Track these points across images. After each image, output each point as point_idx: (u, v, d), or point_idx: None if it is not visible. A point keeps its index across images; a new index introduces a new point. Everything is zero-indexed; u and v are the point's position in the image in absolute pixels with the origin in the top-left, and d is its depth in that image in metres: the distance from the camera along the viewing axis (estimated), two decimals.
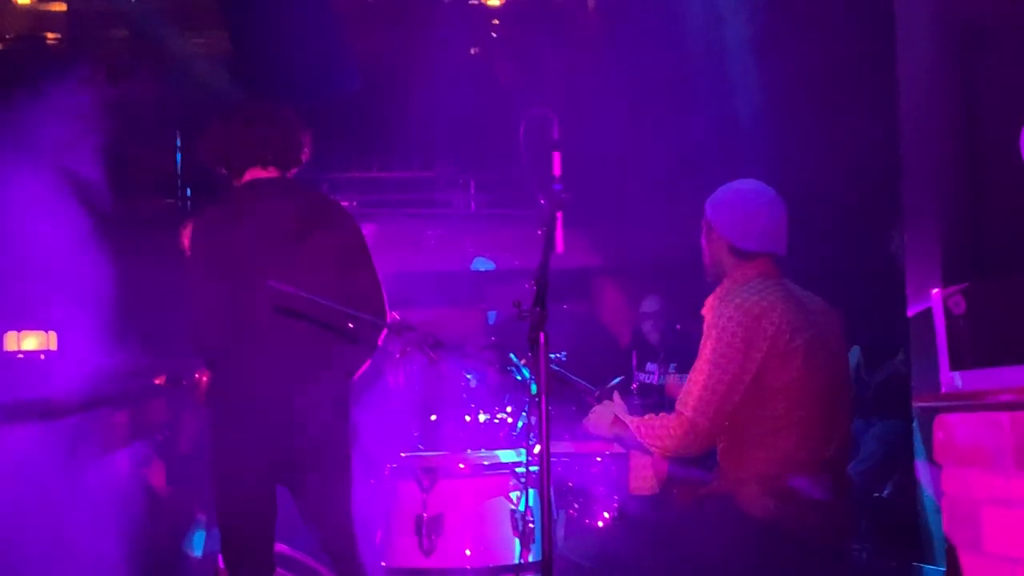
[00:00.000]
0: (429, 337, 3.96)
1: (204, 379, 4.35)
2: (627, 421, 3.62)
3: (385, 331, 4.02)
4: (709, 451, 3.61)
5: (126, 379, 6.57)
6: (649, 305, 7.20)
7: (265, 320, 3.91)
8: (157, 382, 6.56)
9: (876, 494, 5.30)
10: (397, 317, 4.24)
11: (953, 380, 3.27)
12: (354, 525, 3.96)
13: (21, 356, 8.11)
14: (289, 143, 4.19)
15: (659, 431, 3.53)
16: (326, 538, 4.00)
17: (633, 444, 3.64)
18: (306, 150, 4.25)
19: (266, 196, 4.12)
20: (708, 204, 3.71)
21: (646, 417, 3.61)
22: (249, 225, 4.04)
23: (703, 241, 3.73)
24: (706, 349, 3.49)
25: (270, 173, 4.17)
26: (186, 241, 4.41)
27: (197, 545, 6.13)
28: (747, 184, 3.70)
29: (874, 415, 5.72)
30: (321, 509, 3.98)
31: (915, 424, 4.29)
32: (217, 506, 4.06)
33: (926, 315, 3.77)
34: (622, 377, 5.72)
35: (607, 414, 3.76)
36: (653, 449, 3.58)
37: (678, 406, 3.51)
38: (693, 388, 3.48)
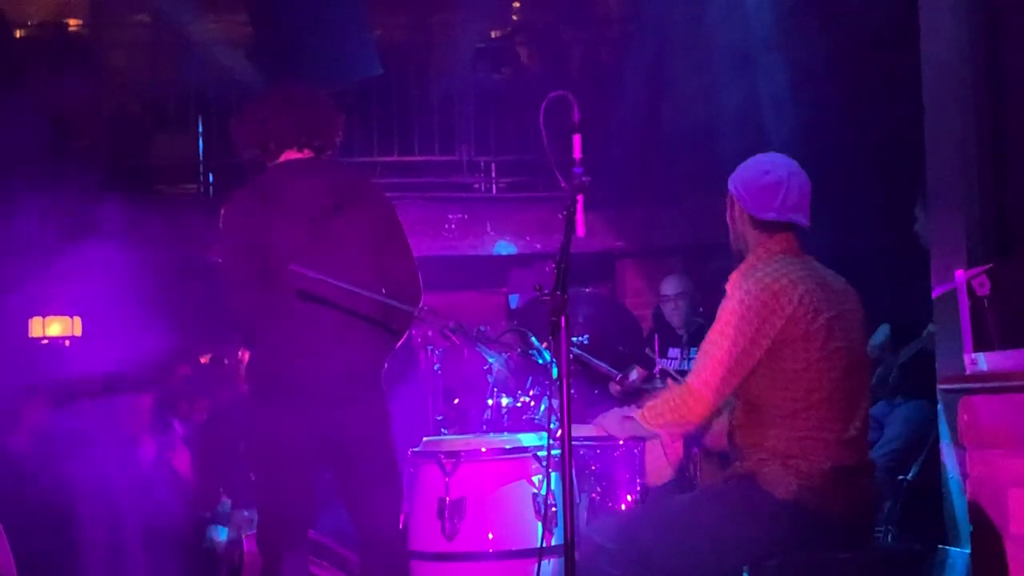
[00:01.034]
0: (451, 321, 3.96)
1: (247, 357, 4.37)
2: (638, 415, 3.64)
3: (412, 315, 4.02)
4: (708, 422, 3.62)
5: (167, 360, 6.62)
6: (668, 287, 7.08)
7: (298, 300, 3.93)
8: (202, 361, 6.59)
9: (901, 476, 5.27)
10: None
11: (977, 361, 3.25)
12: (396, 515, 3.99)
13: (46, 342, 8.17)
14: (324, 125, 4.21)
15: (660, 407, 3.56)
16: (362, 524, 4.03)
17: (644, 432, 3.67)
18: (340, 132, 4.27)
19: (299, 175, 4.13)
20: (730, 180, 3.70)
21: (653, 399, 3.62)
22: (281, 203, 4.05)
23: (728, 217, 3.73)
24: (720, 321, 3.49)
25: (304, 155, 4.18)
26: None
27: (222, 530, 6.17)
28: (767, 156, 3.69)
29: (899, 396, 5.69)
30: (359, 496, 4.00)
31: (940, 405, 4.27)
32: (256, 487, 4.08)
33: (951, 296, 3.75)
34: (636, 366, 5.73)
35: (616, 415, 3.79)
36: (658, 429, 3.59)
37: (688, 378, 3.52)
38: (703, 357, 3.49)
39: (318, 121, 4.20)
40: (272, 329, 4.00)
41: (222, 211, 4.25)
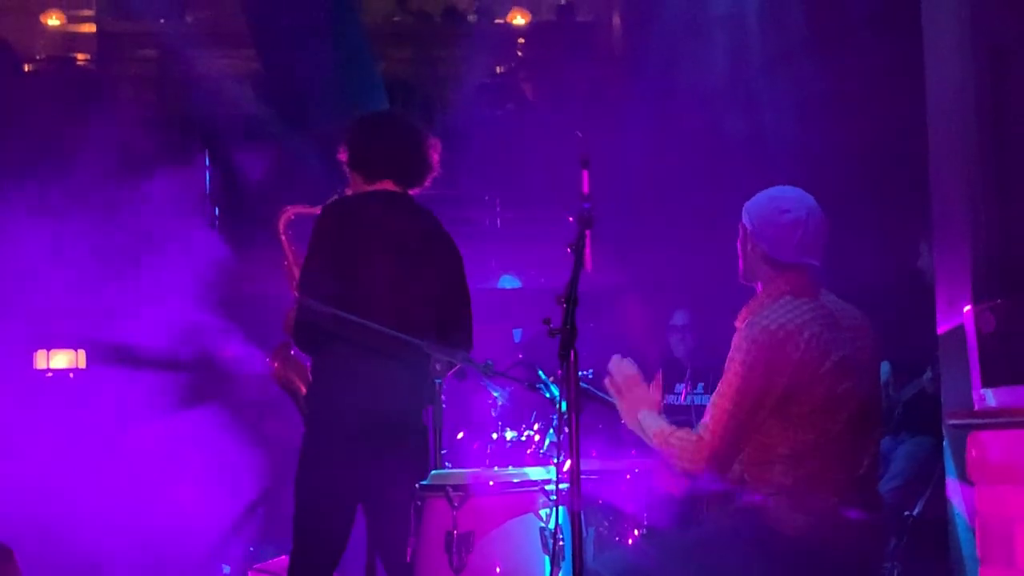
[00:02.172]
0: (458, 354, 3.98)
1: (276, 365, 4.39)
2: (650, 431, 3.62)
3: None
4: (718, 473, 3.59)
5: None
6: (678, 318, 7.20)
7: (363, 332, 3.92)
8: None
9: (907, 512, 5.27)
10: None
11: (985, 397, 3.26)
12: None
13: (50, 375, 8.18)
14: (427, 167, 4.28)
15: (676, 449, 3.52)
16: (388, 555, 4.06)
17: (651, 447, 3.66)
18: (432, 176, 4.33)
19: (395, 209, 4.19)
20: (745, 209, 3.64)
21: (671, 429, 3.59)
22: (375, 234, 4.09)
23: (739, 245, 3.69)
24: (729, 372, 3.46)
25: (399, 188, 4.23)
26: (282, 225, 4.48)
27: (226, 563, 6.15)
28: (786, 192, 3.62)
29: (903, 432, 5.69)
30: (392, 529, 4.03)
31: (946, 441, 4.27)
32: (295, 524, 4.09)
33: (957, 331, 3.77)
34: None
35: (633, 406, 3.75)
36: (669, 460, 3.58)
37: (699, 429, 3.50)
38: (714, 411, 3.47)
39: (425, 162, 4.27)
40: (328, 359, 4.04)
41: (285, 217, 4.30)
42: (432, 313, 4.10)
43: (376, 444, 3.97)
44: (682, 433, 3.54)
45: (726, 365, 3.48)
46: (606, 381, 3.88)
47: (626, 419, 3.79)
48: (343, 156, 4.28)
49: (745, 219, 3.61)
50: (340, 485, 4.00)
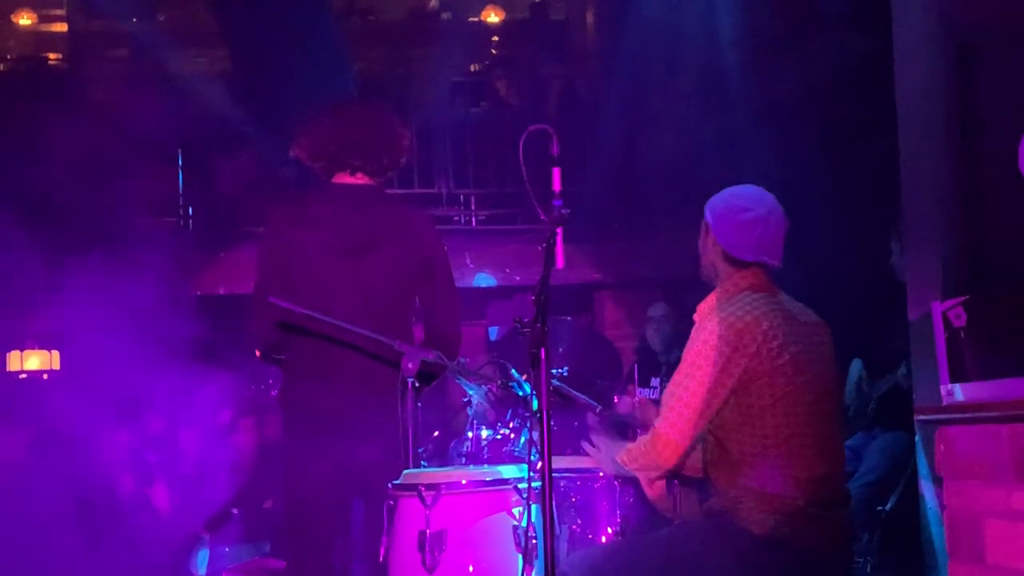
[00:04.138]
0: (431, 354, 3.97)
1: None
2: (618, 455, 3.68)
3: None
4: (681, 466, 3.62)
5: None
6: (655, 310, 7.30)
7: (319, 329, 3.88)
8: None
9: (879, 507, 5.29)
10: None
11: (953, 392, 3.27)
12: None
13: (24, 376, 8.15)
14: (384, 149, 4.06)
15: (635, 451, 3.59)
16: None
17: (626, 473, 3.71)
18: (403, 156, 4.11)
19: (340, 204, 4.04)
20: (708, 207, 3.67)
21: (630, 445, 3.67)
22: (315, 231, 3.98)
23: (700, 243, 3.72)
24: (685, 362, 3.50)
25: (357, 179, 4.07)
26: None
27: (201, 564, 6.13)
28: (747, 191, 3.66)
29: (877, 427, 5.71)
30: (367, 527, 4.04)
31: (917, 436, 4.29)
32: (284, 512, 4.10)
33: (927, 327, 3.78)
34: (625, 397, 5.72)
35: (609, 453, 3.81)
36: (637, 473, 3.63)
37: (659, 423, 3.53)
38: (669, 400, 3.50)
39: (377, 144, 4.04)
40: (297, 355, 4.01)
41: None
42: (396, 311, 4.05)
43: (341, 435, 3.93)
44: (642, 437, 3.59)
45: (683, 355, 3.51)
46: (584, 446, 3.92)
47: (606, 467, 3.88)
48: (300, 153, 4.11)
49: (708, 216, 3.65)
50: (309, 478, 3.98)
